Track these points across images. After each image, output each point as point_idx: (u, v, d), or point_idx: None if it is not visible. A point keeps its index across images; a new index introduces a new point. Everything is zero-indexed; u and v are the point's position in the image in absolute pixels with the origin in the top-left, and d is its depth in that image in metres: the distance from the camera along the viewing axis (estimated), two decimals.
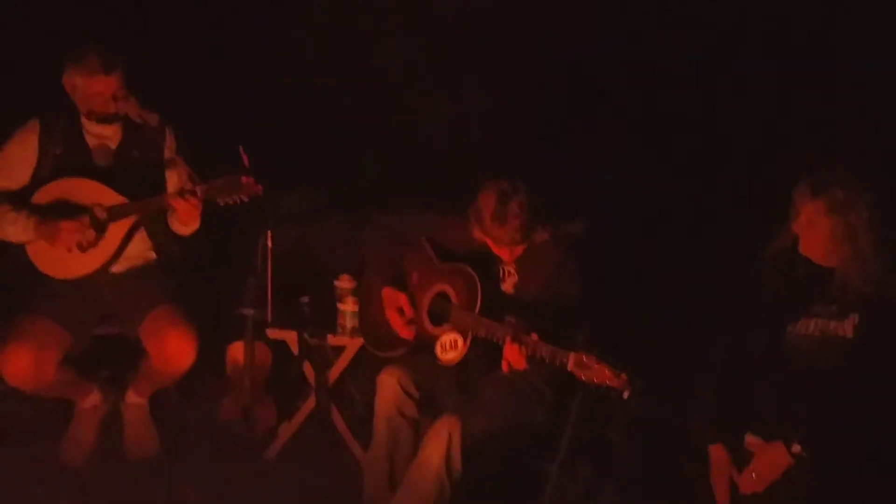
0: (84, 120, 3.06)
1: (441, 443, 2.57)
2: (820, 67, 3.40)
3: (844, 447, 2.20)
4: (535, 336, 2.50)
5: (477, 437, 2.60)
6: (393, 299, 2.91)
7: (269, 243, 3.30)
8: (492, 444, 2.65)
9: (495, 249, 2.76)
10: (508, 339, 2.54)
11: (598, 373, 2.35)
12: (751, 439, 2.36)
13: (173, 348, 2.97)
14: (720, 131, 3.52)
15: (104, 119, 3.05)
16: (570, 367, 2.41)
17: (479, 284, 2.69)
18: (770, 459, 2.27)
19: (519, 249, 2.75)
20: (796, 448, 2.22)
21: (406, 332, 2.88)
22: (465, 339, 2.67)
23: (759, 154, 3.40)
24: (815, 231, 2.29)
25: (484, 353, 2.69)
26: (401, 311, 2.89)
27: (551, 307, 2.66)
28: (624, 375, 2.32)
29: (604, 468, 3.08)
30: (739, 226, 3.05)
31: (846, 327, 2.30)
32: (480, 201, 2.70)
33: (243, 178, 2.92)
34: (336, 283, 3.30)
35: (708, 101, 3.53)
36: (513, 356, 2.54)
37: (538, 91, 3.77)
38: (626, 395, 2.33)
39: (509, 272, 2.79)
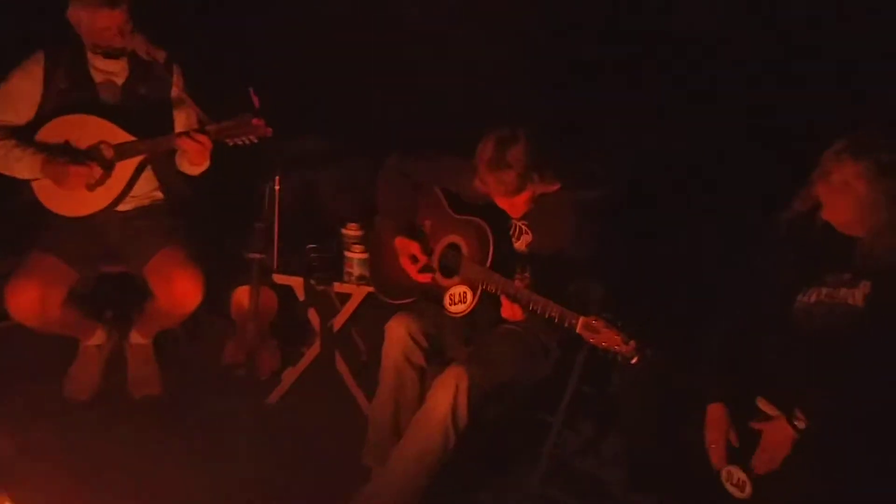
0: (90, 55, 3.00)
1: (448, 392, 2.56)
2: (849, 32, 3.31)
3: (850, 416, 2.17)
4: (542, 298, 2.45)
5: (483, 388, 2.60)
6: (405, 247, 2.88)
7: (277, 188, 3.28)
8: (497, 396, 2.66)
9: (497, 202, 2.69)
10: (504, 297, 2.51)
11: (607, 338, 2.31)
12: (762, 403, 2.33)
13: (180, 289, 2.96)
14: (742, 92, 3.46)
15: (110, 54, 2.99)
16: (578, 329, 2.37)
17: (491, 239, 2.65)
18: (775, 437, 2.24)
19: (521, 203, 2.67)
20: (799, 420, 2.19)
21: (422, 278, 2.84)
22: (474, 293, 2.65)
23: (782, 115, 3.34)
24: (847, 195, 2.21)
25: (493, 307, 2.66)
26: (413, 258, 2.87)
27: (565, 267, 2.61)
28: (633, 343, 2.28)
29: (605, 423, 3.11)
30: (758, 188, 3.01)
31: (857, 296, 2.24)
32: (480, 147, 2.62)
33: (254, 120, 2.88)
34: (343, 230, 3.27)
35: (733, 60, 3.46)
36: (509, 312, 2.54)
37: (557, 42, 3.70)
38: (634, 361, 2.29)
39: (523, 230, 2.75)
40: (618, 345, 2.30)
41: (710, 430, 2.36)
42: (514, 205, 2.68)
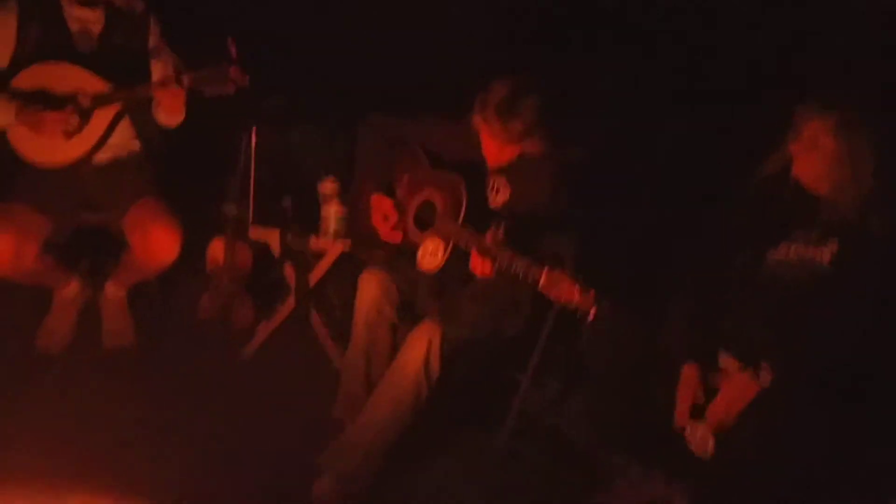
0: (65, 3, 2.97)
1: (421, 347, 2.59)
2: None
3: (813, 374, 2.22)
4: (509, 252, 2.46)
5: (456, 343, 2.63)
6: (379, 204, 2.90)
7: (254, 141, 3.28)
8: (469, 352, 2.69)
9: (485, 145, 2.70)
10: (474, 249, 2.51)
11: (567, 290, 2.32)
12: (724, 360, 2.38)
13: (157, 241, 2.95)
14: (720, 57, 3.46)
15: (87, 2, 2.96)
16: (542, 282, 2.37)
17: (465, 194, 2.68)
18: (737, 389, 2.28)
19: (507, 155, 2.69)
20: (764, 375, 2.24)
21: (391, 237, 2.89)
22: (445, 248, 2.67)
23: (759, 81, 3.34)
24: (817, 150, 2.28)
25: (466, 262, 2.69)
26: (385, 217, 2.89)
27: (538, 225, 2.64)
28: (592, 294, 2.30)
29: (573, 381, 3.15)
30: (732, 148, 3.03)
31: (824, 254, 2.31)
32: (492, 88, 2.62)
33: (231, 69, 2.87)
34: (319, 186, 3.28)
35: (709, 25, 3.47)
36: (477, 267, 2.54)
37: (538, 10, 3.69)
38: (592, 313, 2.30)
39: (500, 187, 2.76)
40: (577, 296, 2.31)
41: (682, 390, 2.39)
42: (501, 154, 2.70)
